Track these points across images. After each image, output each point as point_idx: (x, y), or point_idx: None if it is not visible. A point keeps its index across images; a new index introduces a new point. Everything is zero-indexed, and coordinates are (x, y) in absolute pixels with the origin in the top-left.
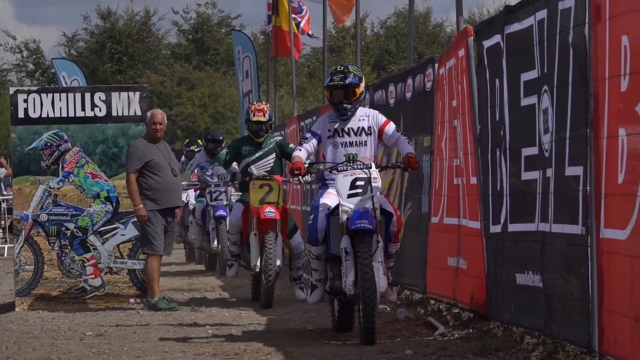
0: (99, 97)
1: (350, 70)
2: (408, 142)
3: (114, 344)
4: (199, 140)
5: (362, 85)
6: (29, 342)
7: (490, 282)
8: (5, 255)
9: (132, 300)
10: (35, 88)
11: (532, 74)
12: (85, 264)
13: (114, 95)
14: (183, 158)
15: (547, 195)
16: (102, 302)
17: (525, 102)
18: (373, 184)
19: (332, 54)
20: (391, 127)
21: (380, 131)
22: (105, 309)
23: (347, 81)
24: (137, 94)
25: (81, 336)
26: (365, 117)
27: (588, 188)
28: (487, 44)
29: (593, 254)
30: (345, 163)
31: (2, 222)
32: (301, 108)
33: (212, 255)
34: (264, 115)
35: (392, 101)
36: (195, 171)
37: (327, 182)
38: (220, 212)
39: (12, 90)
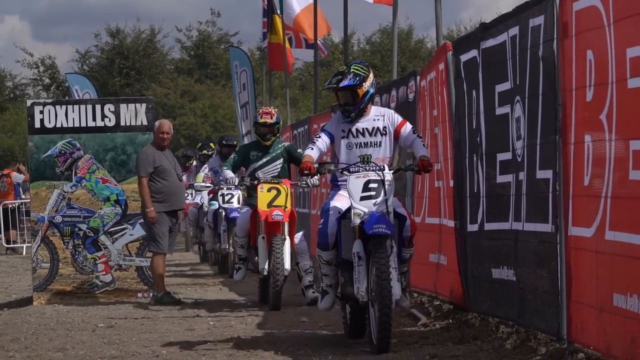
0: (109, 109)
1: (352, 70)
2: (423, 145)
3: (123, 334)
4: (211, 144)
5: (366, 84)
6: (46, 333)
7: (468, 276)
8: (24, 253)
9: (139, 294)
10: (50, 100)
11: (505, 86)
12: (97, 262)
13: (123, 106)
14: (195, 162)
15: (520, 196)
16: (112, 296)
17: (499, 111)
18: (386, 186)
19: (322, 68)
20: (408, 127)
21: (397, 132)
22: (115, 303)
23: (342, 84)
24: (144, 105)
25: (93, 328)
26: (381, 116)
27: (557, 190)
28: (464, 58)
29: (562, 250)
30: (357, 164)
31: (21, 223)
32: (294, 117)
33: (223, 257)
34: (272, 118)
35: None
36: (210, 174)
37: (338, 183)
38: (234, 214)
39: (29, 102)
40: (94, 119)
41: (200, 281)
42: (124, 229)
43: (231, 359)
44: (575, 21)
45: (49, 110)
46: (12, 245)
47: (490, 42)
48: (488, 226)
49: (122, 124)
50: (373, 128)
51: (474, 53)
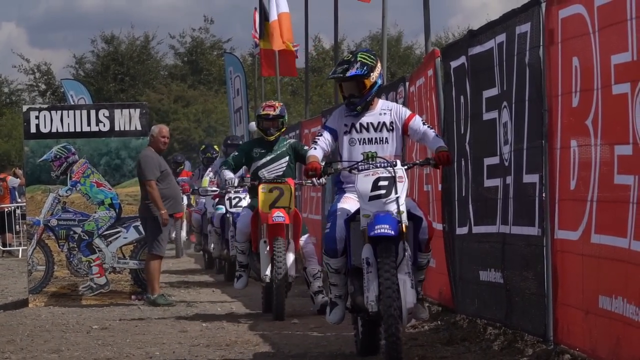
0: (103, 114)
1: (358, 59)
2: (437, 135)
3: (118, 336)
4: (215, 147)
5: (374, 74)
6: (41, 334)
7: (456, 278)
8: (20, 256)
9: (133, 297)
10: (45, 106)
11: (493, 91)
12: (92, 264)
13: (117, 112)
14: (201, 165)
15: (507, 200)
16: (106, 298)
17: (486, 116)
18: (398, 184)
19: (312, 74)
20: (417, 120)
21: (405, 126)
22: (110, 305)
23: (349, 74)
24: (138, 110)
25: (88, 329)
26: (387, 110)
27: (544, 194)
28: (452, 64)
29: (548, 253)
30: (365, 161)
31: (17, 226)
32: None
33: (231, 264)
34: (274, 110)
35: None
36: (215, 178)
37: (343, 186)
38: None
39: (25, 108)
40: (89, 124)
41: (194, 282)
42: (118, 232)
43: None
44: (561, 28)
45: (45, 115)
46: (8, 248)
47: (477, 49)
48: (476, 229)
49: (117, 128)
50: (379, 123)
51: (462, 59)
